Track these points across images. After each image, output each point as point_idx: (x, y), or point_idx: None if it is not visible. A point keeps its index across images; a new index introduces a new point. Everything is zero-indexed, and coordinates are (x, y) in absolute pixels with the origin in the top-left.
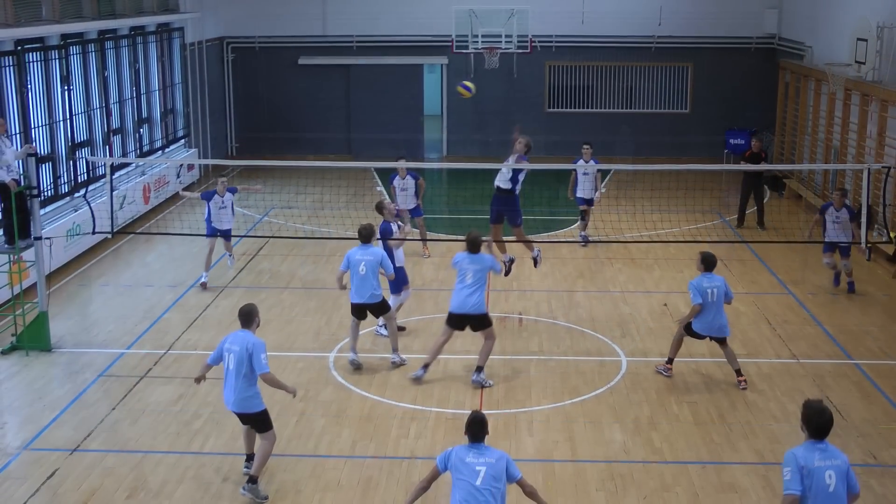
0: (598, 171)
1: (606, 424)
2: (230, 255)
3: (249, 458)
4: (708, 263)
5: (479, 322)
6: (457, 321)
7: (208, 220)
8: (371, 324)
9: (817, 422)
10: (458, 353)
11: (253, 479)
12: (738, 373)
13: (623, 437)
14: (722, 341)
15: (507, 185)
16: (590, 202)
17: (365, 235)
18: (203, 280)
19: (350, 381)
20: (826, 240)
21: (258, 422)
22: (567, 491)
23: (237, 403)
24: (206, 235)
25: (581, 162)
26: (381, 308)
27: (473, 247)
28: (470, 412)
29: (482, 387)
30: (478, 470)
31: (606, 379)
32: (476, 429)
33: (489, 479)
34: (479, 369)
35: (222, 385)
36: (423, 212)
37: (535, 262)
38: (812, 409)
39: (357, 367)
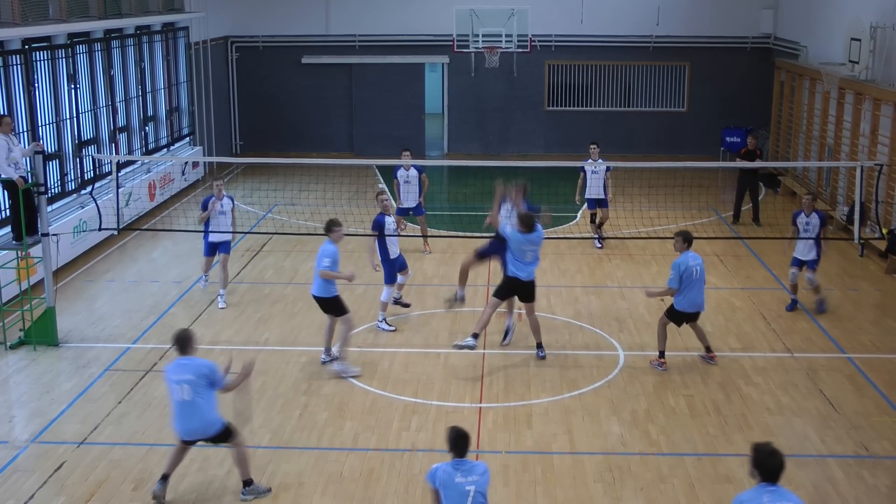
0: (608, 168)
1: (604, 417)
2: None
3: (165, 477)
4: (689, 241)
5: (530, 291)
6: (511, 288)
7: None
8: (371, 318)
9: (769, 465)
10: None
11: (248, 482)
12: (708, 349)
13: (620, 430)
14: (696, 317)
15: None
16: (602, 203)
17: (325, 230)
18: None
19: None
20: (795, 254)
21: (225, 435)
22: (565, 482)
23: (204, 431)
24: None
25: (589, 161)
26: (330, 307)
27: (527, 226)
28: (450, 428)
29: (542, 359)
30: (467, 490)
31: (604, 373)
32: (462, 444)
33: (478, 496)
34: (539, 346)
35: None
36: (425, 210)
37: (457, 299)
38: (762, 452)
39: (327, 362)
